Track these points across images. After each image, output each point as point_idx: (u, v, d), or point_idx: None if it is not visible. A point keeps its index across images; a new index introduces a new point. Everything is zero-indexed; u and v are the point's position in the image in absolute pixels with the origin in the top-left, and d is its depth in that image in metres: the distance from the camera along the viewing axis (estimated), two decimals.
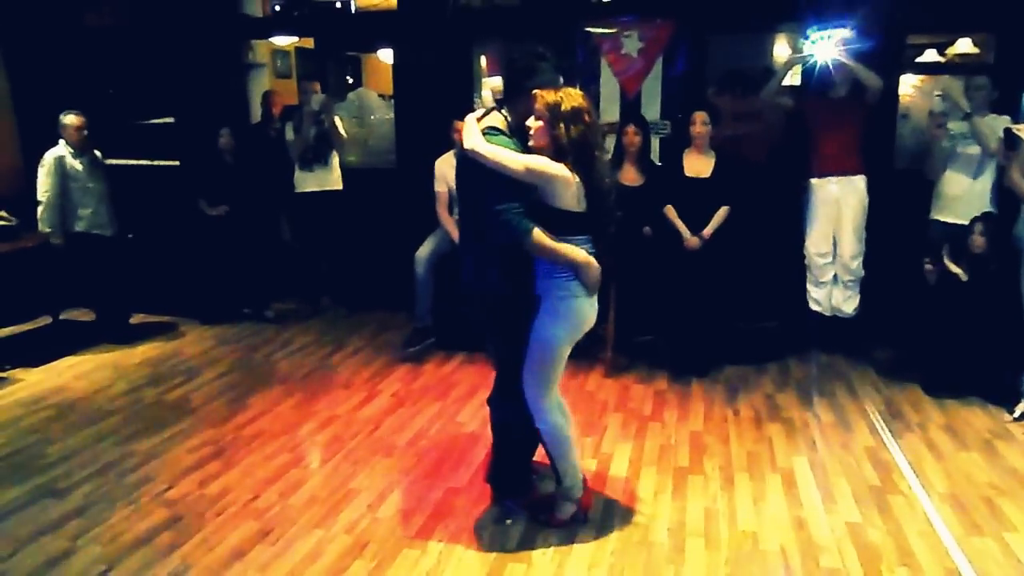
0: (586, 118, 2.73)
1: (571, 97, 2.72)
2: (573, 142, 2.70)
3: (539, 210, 2.77)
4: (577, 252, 2.78)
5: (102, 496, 3.38)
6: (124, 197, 5.53)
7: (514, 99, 2.88)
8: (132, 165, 6.29)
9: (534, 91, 2.76)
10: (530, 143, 2.79)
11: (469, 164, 2.79)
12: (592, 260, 2.80)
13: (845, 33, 4.63)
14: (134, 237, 5.66)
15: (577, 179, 2.72)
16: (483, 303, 3.00)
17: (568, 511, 3.10)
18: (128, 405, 4.40)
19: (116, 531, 3.10)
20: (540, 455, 3.26)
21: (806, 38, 4.72)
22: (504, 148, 2.73)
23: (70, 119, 5.16)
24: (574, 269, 2.79)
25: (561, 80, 2.85)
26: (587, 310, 2.88)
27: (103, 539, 3.05)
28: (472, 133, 2.76)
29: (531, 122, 2.77)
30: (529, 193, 2.77)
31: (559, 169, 2.70)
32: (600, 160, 2.81)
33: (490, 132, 2.78)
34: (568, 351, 2.92)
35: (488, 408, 3.25)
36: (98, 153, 5.39)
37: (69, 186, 5.19)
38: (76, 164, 5.20)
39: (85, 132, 5.19)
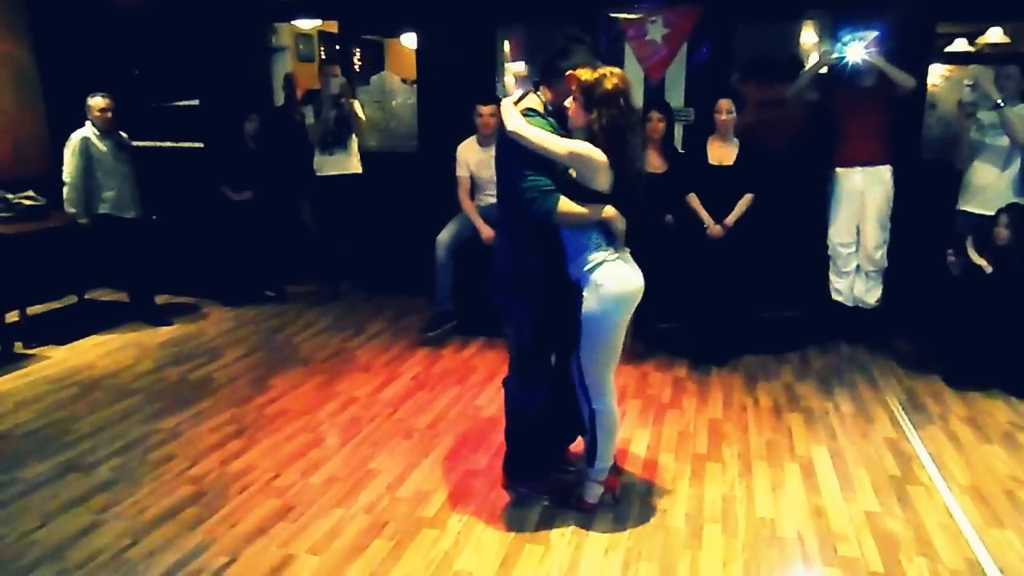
0: (621, 102, 2.70)
1: (608, 79, 2.70)
2: (604, 126, 2.69)
3: (566, 188, 2.77)
4: (603, 209, 2.76)
5: (127, 472, 3.44)
6: (148, 179, 5.58)
7: (550, 79, 2.87)
8: (157, 147, 6.35)
9: (569, 71, 2.75)
10: (569, 124, 2.79)
11: (506, 147, 2.80)
12: (614, 212, 2.77)
13: (875, 34, 4.59)
14: (158, 219, 5.73)
15: (609, 165, 2.72)
16: (519, 289, 2.97)
17: (597, 493, 3.11)
18: (152, 384, 4.47)
19: (141, 506, 3.15)
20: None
21: (839, 42, 4.67)
22: (545, 131, 2.73)
23: (96, 100, 5.21)
24: (600, 227, 2.79)
25: (598, 62, 2.83)
26: (629, 274, 2.84)
27: (128, 514, 3.10)
28: (514, 116, 2.76)
29: (568, 102, 2.78)
30: (556, 170, 2.77)
31: (599, 155, 2.70)
32: (632, 144, 2.79)
33: (528, 114, 2.78)
34: (624, 326, 2.89)
35: (504, 390, 3.25)
36: (124, 135, 5.44)
37: (94, 167, 5.23)
38: (101, 146, 5.25)
39: (111, 114, 5.23)
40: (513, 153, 2.76)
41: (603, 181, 2.75)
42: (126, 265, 5.57)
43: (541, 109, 2.84)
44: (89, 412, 4.07)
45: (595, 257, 2.80)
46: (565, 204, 2.73)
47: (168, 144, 6.47)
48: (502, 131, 2.81)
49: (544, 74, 2.90)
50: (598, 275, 2.80)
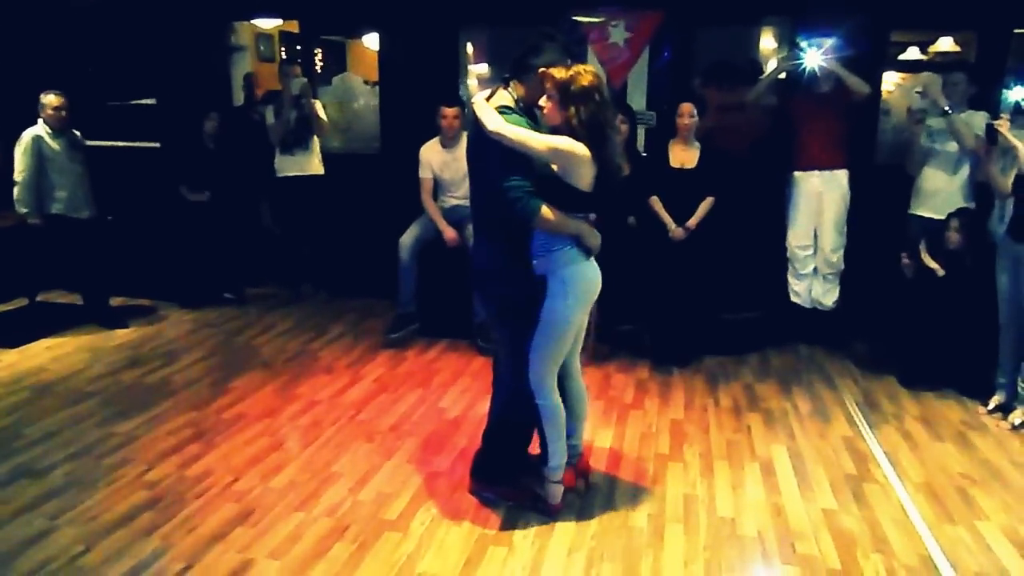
0: (597, 97, 2.71)
1: (582, 76, 2.70)
2: (584, 123, 2.69)
3: (546, 186, 2.76)
4: (581, 224, 2.81)
5: (81, 477, 3.35)
6: (103, 179, 5.46)
7: (522, 76, 2.87)
8: (112, 146, 6.21)
9: (542, 69, 2.75)
10: (542, 122, 2.79)
11: (480, 145, 2.79)
12: (594, 230, 2.83)
13: (832, 41, 4.68)
14: (113, 219, 5.60)
15: (592, 160, 2.73)
16: (496, 287, 2.98)
17: (558, 493, 3.11)
18: (107, 387, 4.36)
19: (95, 512, 3.08)
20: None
21: (797, 48, 4.77)
22: (523, 127, 2.73)
23: (49, 98, 5.08)
24: (575, 238, 2.81)
25: (569, 61, 2.84)
26: (591, 274, 2.88)
27: (82, 519, 3.02)
28: (492, 114, 2.74)
29: (543, 101, 2.77)
30: (536, 168, 2.77)
31: (582, 149, 2.70)
32: (612, 139, 2.80)
33: (504, 111, 2.77)
34: (577, 326, 2.93)
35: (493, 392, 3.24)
36: (77, 133, 5.31)
37: (46, 167, 5.10)
38: (54, 144, 5.12)
39: (64, 112, 5.11)
40: (490, 153, 2.75)
41: (586, 176, 2.75)
42: (79, 266, 5.43)
43: (514, 105, 2.84)
44: (41, 416, 3.96)
45: (564, 257, 2.81)
46: (547, 211, 2.74)
47: (124, 143, 6.34)
48: (476, 131, 2.80)
49: (515, 70, 2.88)
50: (566, 273, 2.81)
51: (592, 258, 2.90)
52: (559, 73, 2.71)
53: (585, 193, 2.78)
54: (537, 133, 2.73)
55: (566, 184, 2.76)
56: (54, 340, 5.12)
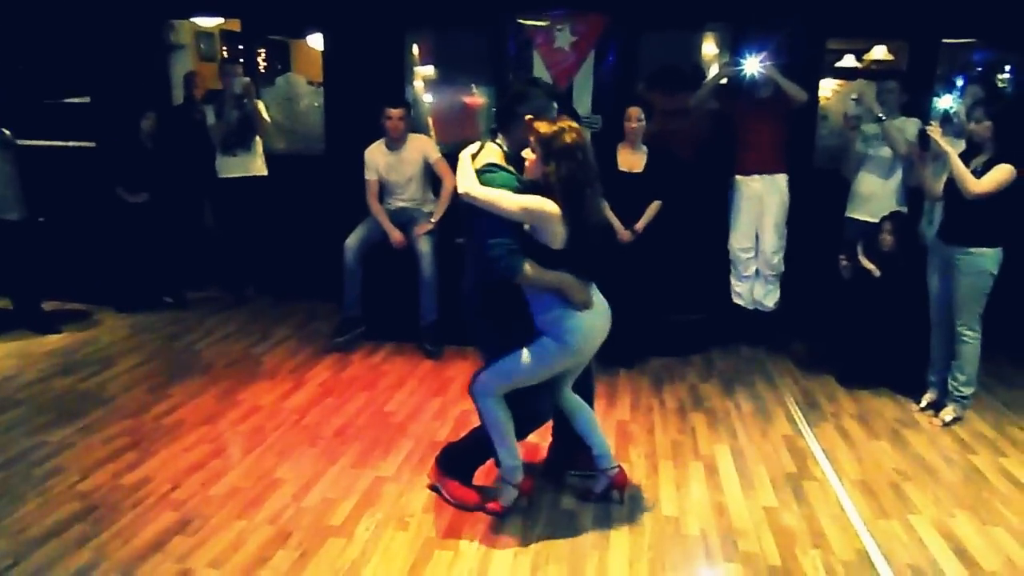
0: (579, 156, 2.70)
1: (567, 132, 2.70)
2: (562, 180, 2.68)
3: (526, 244, 2.76)
4: (564, 278, 2.78)
5: (9, 488, 3.22)
6: (36, 179, 5.27)
7: (507, 126, 2.87)
8: (45, 146, 6.01)
9: (528, 117, 2.75)
10: (524, 175, 2.78)
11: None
12: (576, 284, 2.80)
13: (770, 51, 4.81)
14: (46, 221, 5.41)
15: (563, 218, 2.70)
16: (482, 311, 2.98)
17: (511, 497, 3.10)
18: (38, 394, 4.21)
19: (24, 524, 2.96)
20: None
21: (737, 55, 4.89)
22: (500, 187, 2.71)
23: None
24: (561, 293, 2.80)
25: (555, 106, 2.84)
26: (591, 322, 2.87)
27: (9, 532, 2.91)
28: (465, 175, 2.74)
29: (526, 153, 2.77)
30: (521, 227, 2.76)
31: (552, 207, 2.69)
32: (591, 199, 2.78)
33: (490, 170, 2.76)
34: (558, 371, 2.96)
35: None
36: (7, 132, 5.10)
37: None
38: None
39: None
40: (476, 208, 2.73)
41: (557, 234, 2.73)
42: (9, 269, 5.23)
43: (502, 158, 2.83)
44: None
45: (559, 313, 2.81)
46: (530, 268, 2.73)
47: (57, 143, 6.14)
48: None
49: (501, 120, 2.89)
50: (562, 327, 2.82)
51: (596, 299, 2.89)
52: (543, 128, 2.70)
53: (558, 251, 2.76)
54: (508, 193, 2.71)
55: (538, 242, 2.76)
56: None
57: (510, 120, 2.86)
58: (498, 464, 3.10)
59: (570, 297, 2.80)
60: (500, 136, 2.91)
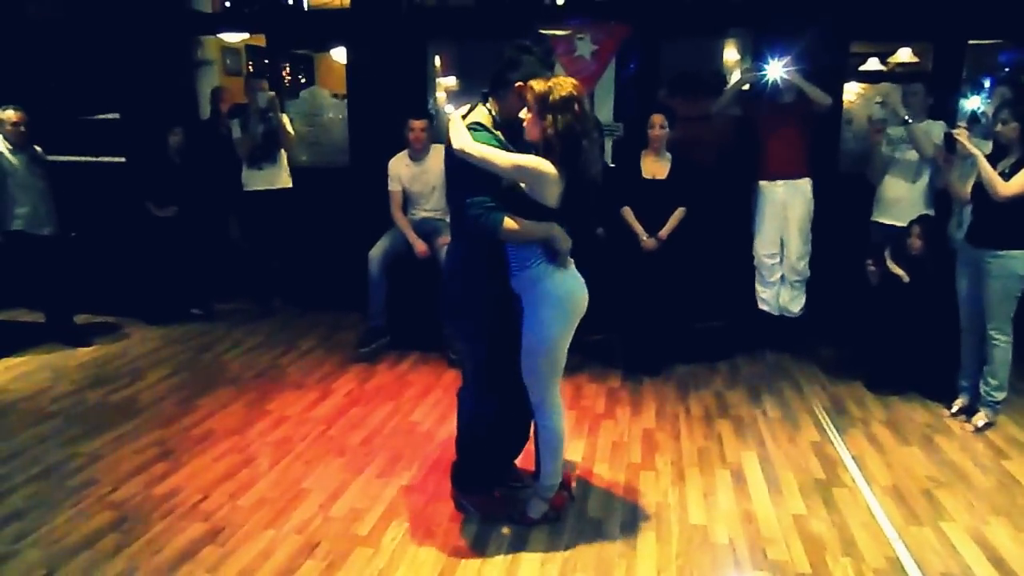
0: (575, 107, 2.67)
1: (561, 86, 2.67)
2: (560, 133, 2.65)
3: (512, 201, 2.74)
4: (551, 226, 2.75)
5: (44, 499, 3.28)
6: (67, 195, 5.37)
7: (499, 92, 2.85)
8: (76, 162, 6.13)
9: (520, 83, 2.74)
10: (524, 136, 2.77)
11: (454, 162, 2.77)
12: (560, 231, 2.77)
13: (793, 56, 4.78)
14: (77, 235, 5.51)
15: (559, 178, 2.69)
16: (469, 310, 2.95)
17: (541, 510, 3.10)
18: (71, 407, 4.28)
19: (58, 534, 3.01)
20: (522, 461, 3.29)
21: (759, 60, 4.87)
22: (490, 145, 2.71)
23: (8, 114, 4.99)
24: (544, 244, 2.77)
25: (549, 74, 2.82)
26: (569, 285, 2.84)
27: (45, 542, 2.96)
28: (459, 132, 2.73)
29: (523, 114, 2.75)
30: (498, 184, 2.75)
31: (548, 167, 2.67)
32: (588, 151, 2.74)
33: (474, 128, 2.76)
34: (567, 341, 2.88)
35: (457, 401, 3.22)
36: (39, 149, 5.22)
37: (6, 182, 5.01)
38: (14, 160, 5.03)
39: (23, 127, 5.02)
40: (460, 168, 2.74)
41: (552, 194, 2.72)
42: (42, 284, 5.34)
43: (489, 122, 2.82)
44: (2, 437, 3.87)
45: (537, 272, 2.79)
46: (510, 222, 2.72)
47: (88, 158, 6.25)
48: (451, 145, 2.78)
49: (493, 86, 2.87)
50: (540, 288, 2.80)
51: (572, 269, 2.87)
52: (538, 85, 2.69)
53: (552, 209, 2.76)
54: (502, 151, 2.71)
55: (533, 200, 2.75)
56: (16, 359, 5.01)
57: (502, 86, 2.83)
58: (538, 477, 3.09)
59: (554, 245, 2.77)
60: (491, 101, 2.88)
